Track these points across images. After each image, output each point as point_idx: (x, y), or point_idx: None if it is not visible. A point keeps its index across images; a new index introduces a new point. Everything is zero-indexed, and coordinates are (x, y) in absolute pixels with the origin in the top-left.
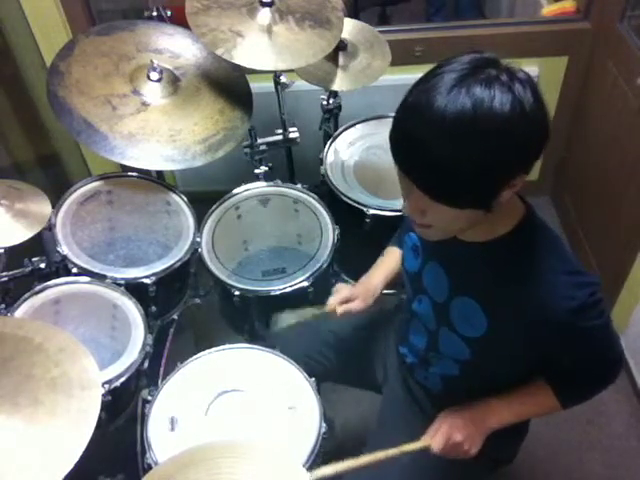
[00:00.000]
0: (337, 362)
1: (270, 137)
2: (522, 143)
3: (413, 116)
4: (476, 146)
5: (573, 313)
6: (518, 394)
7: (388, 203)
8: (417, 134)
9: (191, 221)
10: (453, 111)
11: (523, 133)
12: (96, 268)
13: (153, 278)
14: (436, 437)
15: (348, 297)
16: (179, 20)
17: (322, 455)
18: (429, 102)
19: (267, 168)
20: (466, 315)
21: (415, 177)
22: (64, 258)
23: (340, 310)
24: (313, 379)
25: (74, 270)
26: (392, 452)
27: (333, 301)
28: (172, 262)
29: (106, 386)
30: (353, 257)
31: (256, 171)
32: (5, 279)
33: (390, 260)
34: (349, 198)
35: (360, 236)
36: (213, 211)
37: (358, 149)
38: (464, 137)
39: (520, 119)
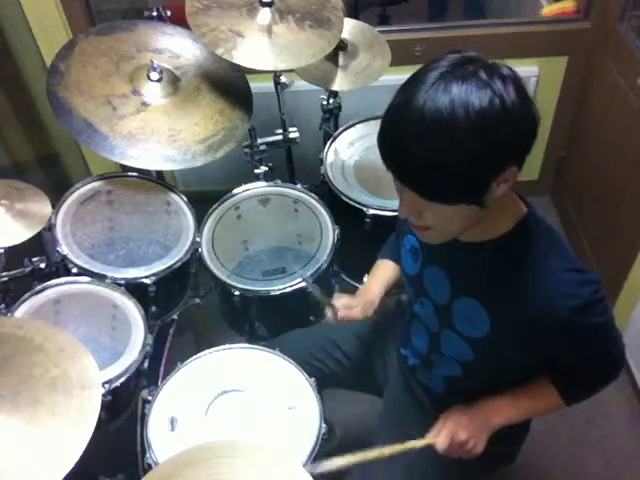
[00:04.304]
0: (338, 368)
1: (270, 137)
2: (505, 138)
3: (395, 116)
4: (456, 142)
5: (576, 311)
6: (521, 392)
7: (388, 203)
8: (399, 133)
9: (191, 221)
10: (431, 108)
11: (505, 128)
12: (96, 268)
13: (153, 278)
14: (440, 435)
15: (348, 304)
16: (179, 20)
17: (322, 455)
18: (409, 101)
19: (267, 168)
20: (468, 316)
21: (402, 176)
22: (64, 258)
23: (341, 314)
24: (313, 379)
25: (74, 270)
26: (397, 448)
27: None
28: (172, 262)
29: (106, 386)
30: (353, 257)
31: (256, 171)
32: (5, 279)
33: (384, 272)
34: (349, 198)
35: (360, 236)
36: (213, 211)
37: (358, 149)
38: (443, 134)
39: (501, 114)
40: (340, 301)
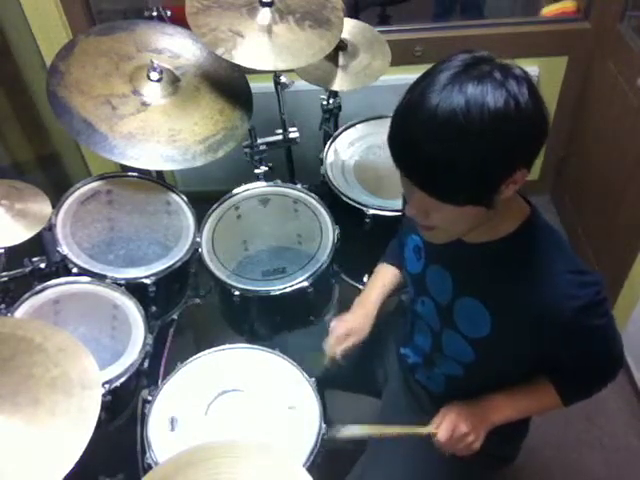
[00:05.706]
0: (337, 368)
1: (270, 137)
2: (518, 139)
3: (408, 115)
4: (470, 143)
5: (578, 312)
6: (520, 391)
7: (388, 203)
8: (412, 133)
9: (191, 221)
10: (445, 109)
11: (519, 129)
12: (96, 268)
13: (153, 278)
14: (442, 426)
15: (345, 334)
16: (179, 20)
17: (322, 455)
18: (423, 101)
19: (267, 168)
20: (470, 316)
21: (413, 176)
22: (64, 258)
23: (340, 353)
24: (313, 379)
25: (74, 270)
26: (400, 430)
27: (331, 346)
28: (172, 262)
29: (106, 386)
30: (353, 257)
31: (256, 171)
32: (5, 279)
33: (383, 277)
34: (349, 198)
35: (360, 236)
36: (213, 211)
37: (358, 149)
38: (458, 134)
39: (515, 115)
40: (336, 334)
